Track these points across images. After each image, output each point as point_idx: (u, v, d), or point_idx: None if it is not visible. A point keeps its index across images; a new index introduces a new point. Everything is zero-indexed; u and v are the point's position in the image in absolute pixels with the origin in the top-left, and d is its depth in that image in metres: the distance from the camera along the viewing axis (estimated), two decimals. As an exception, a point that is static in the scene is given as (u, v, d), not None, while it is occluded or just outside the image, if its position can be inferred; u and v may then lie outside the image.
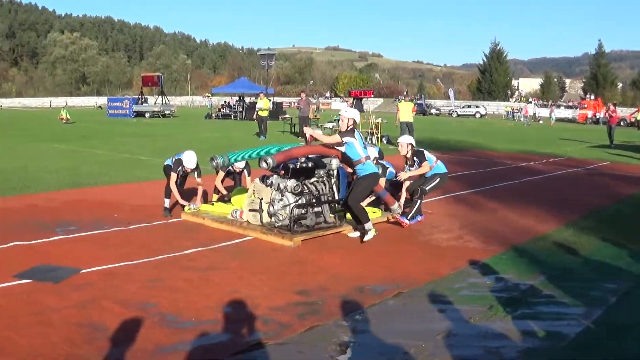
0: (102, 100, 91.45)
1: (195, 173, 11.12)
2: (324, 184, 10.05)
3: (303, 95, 34.53)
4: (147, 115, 55.12)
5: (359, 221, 9.52)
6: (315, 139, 10.21)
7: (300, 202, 9.60)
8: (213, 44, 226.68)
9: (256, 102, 38.80)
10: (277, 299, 6.69)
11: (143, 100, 59.77)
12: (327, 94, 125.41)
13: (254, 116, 34.92)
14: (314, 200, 9.80)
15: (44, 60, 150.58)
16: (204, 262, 8.16)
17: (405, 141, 11.22)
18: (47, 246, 8.77)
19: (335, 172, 10.22)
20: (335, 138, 9.52)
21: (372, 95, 64.51)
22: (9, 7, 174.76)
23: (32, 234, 9.32)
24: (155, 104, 60.62)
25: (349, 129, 9.53)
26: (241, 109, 54.74)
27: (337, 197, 10.18)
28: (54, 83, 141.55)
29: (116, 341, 5.47)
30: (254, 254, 8.72)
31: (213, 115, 56.70)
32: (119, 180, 15.30)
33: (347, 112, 9.67)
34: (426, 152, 11.16)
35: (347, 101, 59.19)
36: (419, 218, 10.86)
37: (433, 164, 11.02)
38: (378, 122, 28.57)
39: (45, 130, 35.85)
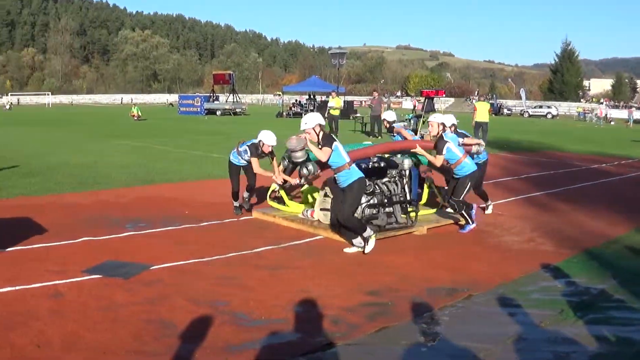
0: (173, 98, 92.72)
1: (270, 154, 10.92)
2: (396, 184, 9.98)
3: (376, 94, 34.55)
4: (218, 113, 55.86)
5: (356, 234, 8.78)
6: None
7: (371, 202, 9.55)
8: (284, 42, 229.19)
9: (327, 101, 38.88)
10: (347, 299, 6.69)
11: (214, 98, 60.45)
12: (398, 93, 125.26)
13: (325, 115, 34.96)
14: (385, 201, 9.75)
15: (115, 57, 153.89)
16: (275, 261, 8.21)
17: (437, 120, 10.45)
18: (117, 242, 8.93)
19: (407, 172, 10.13)
20: (326, 151, 8.53)
21: (444, 95, 64.02)
22: (80, 4, 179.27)
23: (102, 230, 9.52)
24: (226, 102, 61.13)
25: (322, 135, 8.69)
26: (312, 108, 54.50)
27: (408, 198, 10.08)
28: (125, 80, 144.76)
29: (185, 338, 5.52)
30: (324, 253, 8.73)
31: (284, 113, 56.98)
32: (190, 177, 15.53)
33: (308, 124, 8.71)
34: (450, 145, 10.07)
35: (416, 99, 59.03)
36: (471, 226, 10.28)
37: (459, 160, 10.09)
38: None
39: (116, 126, 36.63)
